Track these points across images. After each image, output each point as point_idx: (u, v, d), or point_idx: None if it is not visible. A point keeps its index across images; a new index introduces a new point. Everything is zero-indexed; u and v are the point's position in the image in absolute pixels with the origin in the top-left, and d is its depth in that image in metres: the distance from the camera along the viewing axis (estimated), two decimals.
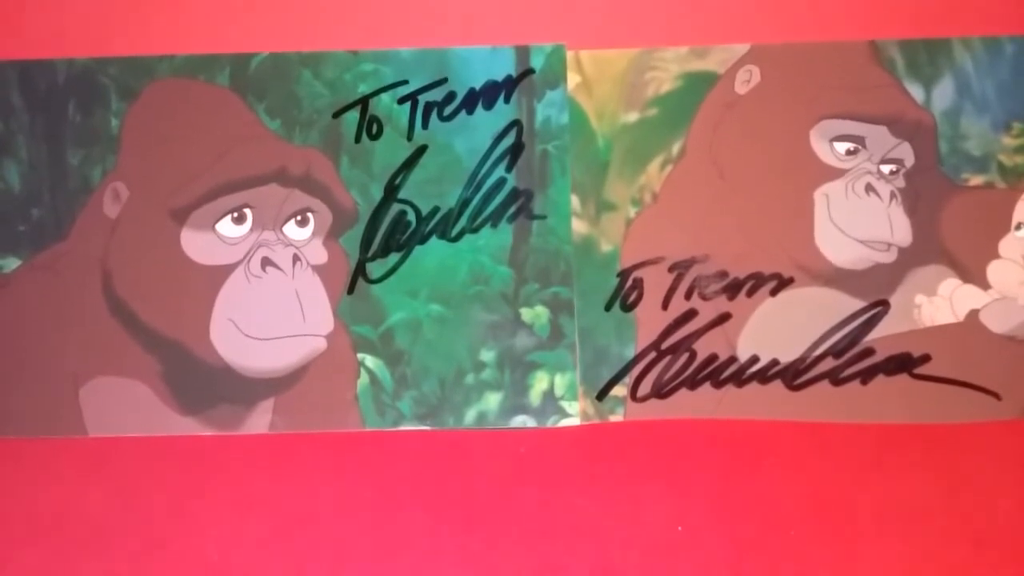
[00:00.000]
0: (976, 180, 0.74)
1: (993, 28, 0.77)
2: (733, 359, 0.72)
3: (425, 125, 0.75)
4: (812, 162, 0.75)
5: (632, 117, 0.76)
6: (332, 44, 0.77)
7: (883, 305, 0.73)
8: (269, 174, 0.74)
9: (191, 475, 0.67)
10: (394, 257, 0.74)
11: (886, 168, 0.75)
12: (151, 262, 0.73)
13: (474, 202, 0.74)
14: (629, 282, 0.73)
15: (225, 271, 0.73)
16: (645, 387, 0.72)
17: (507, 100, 0.76)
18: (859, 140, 0.75)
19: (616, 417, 0.72)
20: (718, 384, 0.72)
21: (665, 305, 0.73)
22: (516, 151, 0.75)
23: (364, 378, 0.72)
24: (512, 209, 0.74)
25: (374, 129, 0.75)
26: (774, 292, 0.73)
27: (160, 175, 0.74)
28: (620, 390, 0.72)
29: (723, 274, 0.73)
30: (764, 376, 0.72)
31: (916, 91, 0.75)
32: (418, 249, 0.74)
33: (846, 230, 0.74)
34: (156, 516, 0.62)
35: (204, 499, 0.64)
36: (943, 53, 0.76)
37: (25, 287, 0.73)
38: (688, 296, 0.73)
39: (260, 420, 0.72)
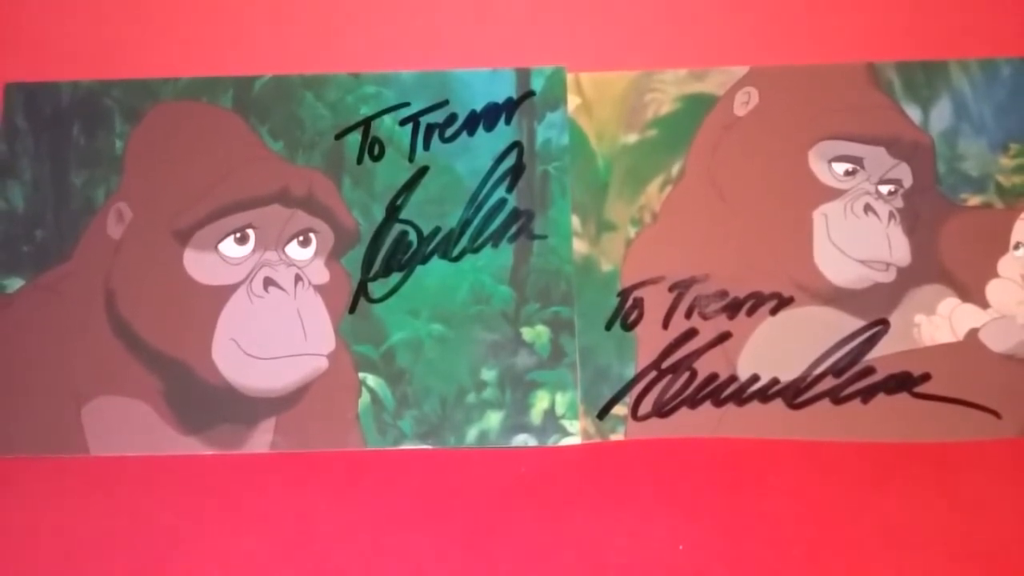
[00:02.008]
0: (974, 200, 0.75)
1: (990, 50, 0.77)
2: (733, 378, 0.72)
3: (427, 146, 0.76)
4: (811, 183, 0.75)
5: (632, 138, 0.76)
6: (334, 67, 0.78)
7: (883, 324, 0.73)
8: (272, 195, 0.75)
9: (193, 494, 0.67)
10: (395, 277, 0.74)
11: (884, 188, 0.75)
12: (154, 282, 0.74)
13: (475, 222, 0.75)
14: (629, 301, 0.74)
15: (227, 291, 0.73)
16: (646, 406, 0.72)
17: (508, 122, 0.76)
18: (857, 161, 0.75)
19: (617, 436, 0.72)
20: (719, 403, 0.72)
21: (665, 324, 0.73)
22: (517, 172, 0.75)
23: (365, 397, 0.72)
24: (513, 229, 0.75)
25: (376, 150, 0.76)
26: (774, 311, 0.73)
27: (163, 196, 0.75)
28: (621, 409, 0.72)
29: (723, 293, 0.73)
30: (764, 395, 0.72)
31: (914, 112, 0.76)
32: (419, 269, 0.74)
33: (845, 250, 0.74)
34: (158, 535, 0.63)
35: (206, 518, 0.64)
36: (940, 75, 0.76)
37: (28, 307, 0.74)
38: (688, 315, 0.73)
39: (261, 439, 0.72)
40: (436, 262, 0.74)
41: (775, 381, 0.72)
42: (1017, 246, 0.74)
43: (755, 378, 0.72)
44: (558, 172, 0.75)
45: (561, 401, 0.72)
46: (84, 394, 0.72)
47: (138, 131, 0.76)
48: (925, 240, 0.74)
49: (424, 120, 0.76)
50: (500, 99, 0.77)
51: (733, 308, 0.73)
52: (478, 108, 0.77)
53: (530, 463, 0.70)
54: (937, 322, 0.73)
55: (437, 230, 0.75)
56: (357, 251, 0.74)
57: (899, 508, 0.64)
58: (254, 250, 0.74)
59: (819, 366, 0.72)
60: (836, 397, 0.72)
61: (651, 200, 0.75)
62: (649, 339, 0.73)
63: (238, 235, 0.74)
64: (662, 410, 0.72)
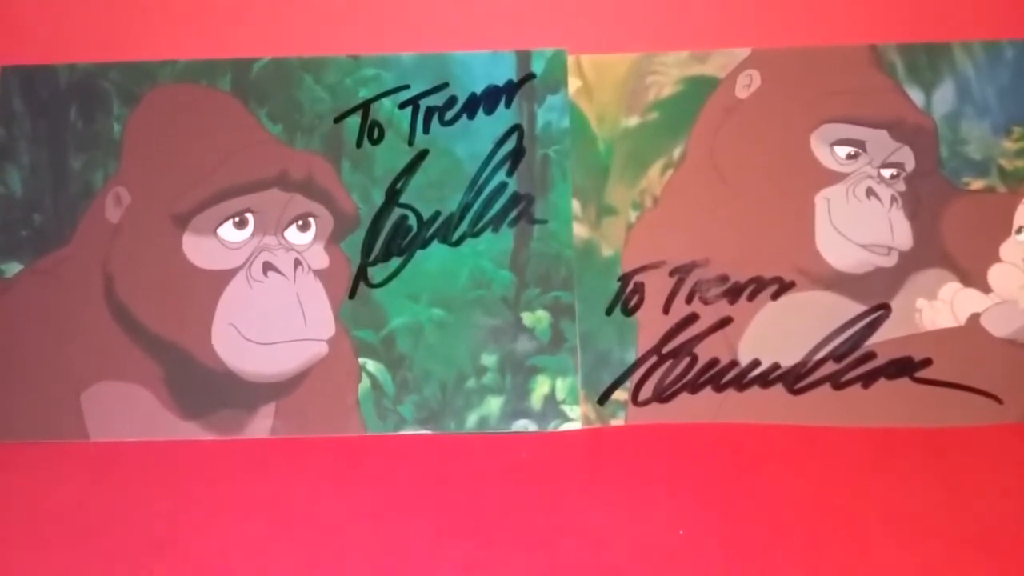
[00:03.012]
0: (977, 184, 0.74)
1: (993, 32, 0.77)
2: (734, 363, 0.72)
3: (426, 130, 0.76)
4: (813, 166, 0.75)
5: (633, 121, 0.76)
6: (333, 49, 0.77)
7: (884, 309, 0.73)
8: (271, 179, 0.74)
9: (193, 479, 0.67)
10: (395, 261, 0.74)
11: (887, 172, 0.75)
12: (153, 267, 0.73)
13: (475, 207, 0.74)
14: (630, 286, 0.73)
15: (227, 276, 0.73)
16: (646, 391, 0.72)
17: (508, 105, 0.76)
18: (860, 144, 0.75)
19: (617, 421, 0.72)
20: (719, 388, 0.72)
21: (666, 309, 0.73)
22: (517, 156, 0.75)
23: (365, 382, 0.72)
24: (513, 213, 0.74)
25: (375, 134, 0.76)
26: (775, 296, 0.73)
27: (162, 180, 0.75)
28: (621, 394, 0.72)
29: (724, 278, 0.73)
30: (765, 380, 0.72)
31: (916, 95, 0.75)
32: (419, 253, 0.74)
33: (847, 234, 0.74)
34: (158, 520, 0.62)
35: (206, 503, 0.64)
36: (943, 57, 0.76)
37: (27, 292, 0.74)
38: (689, 300, 0.73)
39: (262, 424, 0.72)
40: (436, 246, 0.74)
41: (776, 366, 0.72)
42: (1019, 230, 0.74)
43: (756, 363, 0.72)
44: (558, 156, 0.75)
45: (561, 386, 0.72)
46: (83, 379, 0.72)
47: (136, 114, 0.76)
48: (927, 224, 0.74)
49: (424, 103, 0.76)
50: (500, 82, 0.76)
51: (734, 293, 0.73)
52: (478, 91, 0.76)
53: (530, 448, 0.70)
54: (938, 307, 0.73)
55: (437, 214, 0.74)
56: (357, 235, 0.74)
57: (900, 493, 0.64)
58: (253, 234, 0.74)
59: (820, 351, 0.72)
60: (837, 382, 0.72)
61: (652, 184, 0.75)
62: (650, 324, 0.73)
63: (237, 219, 0.74)
64: (663, 395, 0.72)
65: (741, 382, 0.72)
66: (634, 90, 0.76)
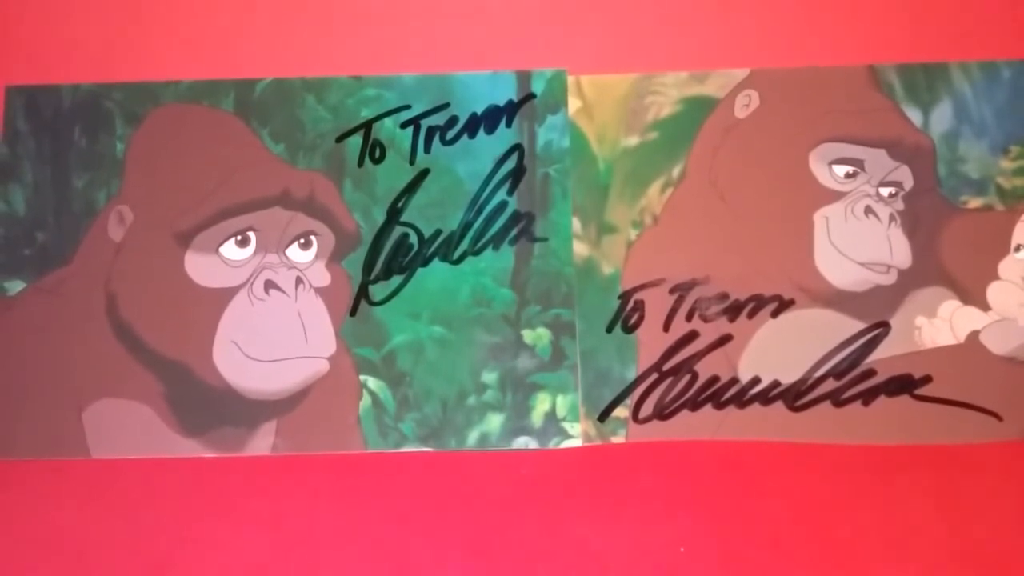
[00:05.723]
0: (975, 202, 0.75)
1: (990, 53, 0.78)
2: (734, 380, 0.72)
3: (427, 149, 0.76)
4: (811, 185, 0.75)
5: (632, 141, 0.76)
6: (335, 69, 0.78)
7: (884, 327, 0.73)
8: (273, 197, 0.75)
9: (194, 497, 0.67)
10: (396, 279, 0.74)
11: (885, 191, 0.75)
12: (155, 285, 0.74)
13: (476, 225, 0.75)
14: (630, 304, 0.74)
15: (228, 293, 0.73)
16: (647, 408, 0.72)
17: (509, 124, 0.76)
18: (858, 163, 0.75)
19: (618, 438, 0.72)
20: (720, 405, 0.72)
21: (666, 327, 0.73)
22: (518, 174, 0.76)
23: (366, 400, 0.72)
24: (514, 232, 0.75)
25: (377, 153, 0.76)
26: (775, 314, 0.73)
27: (164, 199, 0.75)
28: (622, 411, 0.72)
29: (724, 296, 0.74)
30: (765, 397, 0.72)
31: (914, 115, 0.76)
32: (420, 271, 0.74)
33: (846, 252, 0.74)
34: (159, 538, 0.62)
35: (207, 521, 0.64)
36: (941, 77, 0.76)
37: (30, 309, 0.74)
38: (689, 318, 0.73)
39: (262, 442, 0.72)
40: (437, 265, 0.74)
41: (776, 383, 0.72)
42: (1018, 248, 0.74)
43: (756, 380, 0.72)
44: (559, 174, 0.75)
45: (562, 403, 0.72)
46: (85, 397, 0.72)
47: (139, 134, 0.76)
48: (926, 242, 0.74)
49: (425, 123, 0.77)
50: (501, 102, 0.77)
51: (734, 310, 0.73)
52: (479, 111, 0.77)
53: (531, 465, 0.70)
54: (938, 324, 0.73)
55: (438, 233, 0.75)
56: (358, 254, 0.74)
57: (900, 511, 0.64)
58: (255, 252, 0.74)
59: (820, 368, 0.72)
60: (837, 399, 0.72)
61: (652, 202, 0.75)
62: (650, 341, 0.73)
63: (239, 238, 0.74)
64: (663, 412, 0.72)
65: (741, 399, 0.72)
66: (633, 110, 0.77)
